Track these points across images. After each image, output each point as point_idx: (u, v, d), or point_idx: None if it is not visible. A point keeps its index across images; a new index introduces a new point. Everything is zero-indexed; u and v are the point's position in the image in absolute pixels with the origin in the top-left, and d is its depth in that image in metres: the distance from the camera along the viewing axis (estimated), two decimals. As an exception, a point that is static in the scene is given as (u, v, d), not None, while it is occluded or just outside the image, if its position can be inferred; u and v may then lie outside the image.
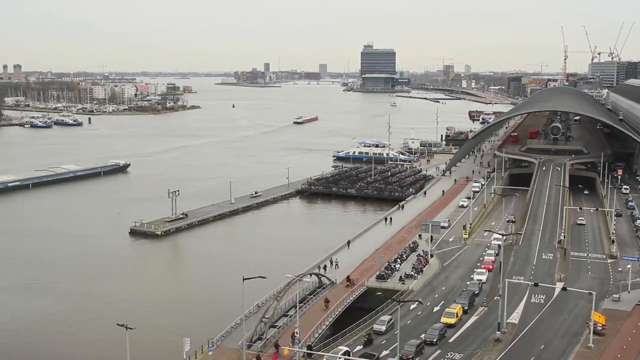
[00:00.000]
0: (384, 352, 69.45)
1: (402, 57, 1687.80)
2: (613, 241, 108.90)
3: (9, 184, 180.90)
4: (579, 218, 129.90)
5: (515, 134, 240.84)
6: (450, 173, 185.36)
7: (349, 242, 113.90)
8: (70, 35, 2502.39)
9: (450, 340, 72.96)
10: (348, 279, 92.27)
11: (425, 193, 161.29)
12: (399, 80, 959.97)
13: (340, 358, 64.80)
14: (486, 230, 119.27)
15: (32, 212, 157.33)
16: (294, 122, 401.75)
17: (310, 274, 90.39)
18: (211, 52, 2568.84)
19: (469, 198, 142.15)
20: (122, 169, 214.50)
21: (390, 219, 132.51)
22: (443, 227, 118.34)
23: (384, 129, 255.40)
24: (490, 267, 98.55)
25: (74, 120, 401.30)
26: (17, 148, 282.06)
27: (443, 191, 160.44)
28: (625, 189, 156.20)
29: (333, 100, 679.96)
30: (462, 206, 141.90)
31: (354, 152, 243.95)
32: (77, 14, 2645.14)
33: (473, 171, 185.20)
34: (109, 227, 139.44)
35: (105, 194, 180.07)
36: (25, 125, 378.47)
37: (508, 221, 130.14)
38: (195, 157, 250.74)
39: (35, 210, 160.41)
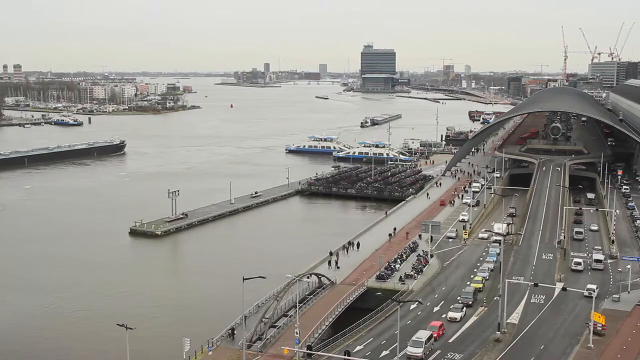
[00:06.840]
0: (384, 352, 69.51)
1: (402, 57, 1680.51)
2: (613, 241, 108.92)
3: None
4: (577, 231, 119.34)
5: (535, 130, 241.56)
6: (457, 175, 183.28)
7: (353, 243, 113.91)
8: (71, 35, 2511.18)
9: (450, 341, 72.99)
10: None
11: (427, 194, 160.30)
12: (399, 80, 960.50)
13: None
14: (486, 231, 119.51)
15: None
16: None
17: (310, 274, 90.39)
18: (211, 52, 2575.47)
19: (469, 198, 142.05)
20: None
21: (427, 193, 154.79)
22: (450, 238, 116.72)
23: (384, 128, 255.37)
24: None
25: (74, 120, 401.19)
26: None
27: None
28: (625, 189, 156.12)
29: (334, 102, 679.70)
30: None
31: (354, 152, 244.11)
32: (77, 14, 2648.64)
33: (474, 171, 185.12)
34: (108, 227, 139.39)
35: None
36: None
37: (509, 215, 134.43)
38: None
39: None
